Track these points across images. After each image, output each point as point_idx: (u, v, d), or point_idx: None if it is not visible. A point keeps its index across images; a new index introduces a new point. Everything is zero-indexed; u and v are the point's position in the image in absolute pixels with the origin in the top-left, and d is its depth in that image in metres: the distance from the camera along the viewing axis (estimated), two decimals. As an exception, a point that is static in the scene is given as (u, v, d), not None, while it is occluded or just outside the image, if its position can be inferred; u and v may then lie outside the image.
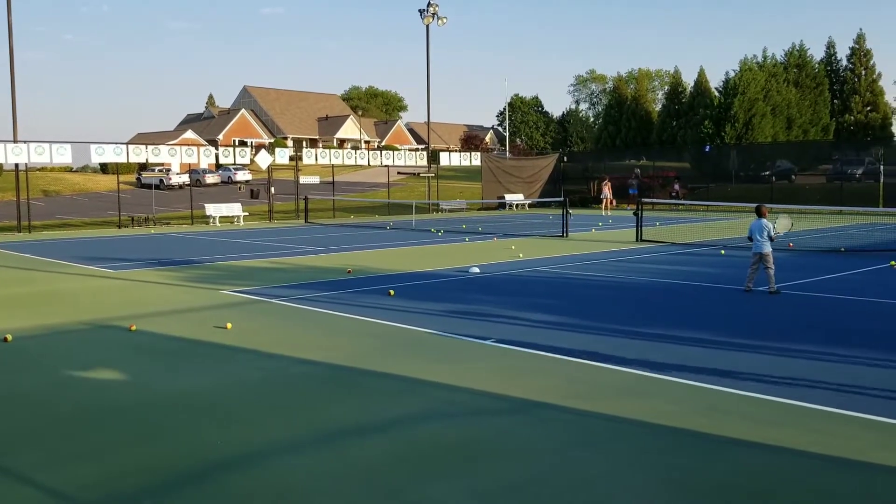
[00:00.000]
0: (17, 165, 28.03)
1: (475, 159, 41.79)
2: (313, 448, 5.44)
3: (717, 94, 49.18)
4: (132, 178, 60.04)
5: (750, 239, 12.16)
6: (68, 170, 66.56)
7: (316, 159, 35.79)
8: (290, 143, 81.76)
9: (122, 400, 6.63)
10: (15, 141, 27.11)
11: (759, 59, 48.22)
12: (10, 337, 9.04)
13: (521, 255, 17.69)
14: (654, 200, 34.55)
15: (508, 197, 40.57)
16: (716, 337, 8.77)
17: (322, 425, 5.91)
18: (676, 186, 39.74)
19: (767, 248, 11.87)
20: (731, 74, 47.47)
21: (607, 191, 37.09)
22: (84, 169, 70.53)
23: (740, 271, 13.42)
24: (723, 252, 18.14)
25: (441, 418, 6.05)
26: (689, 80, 53.44)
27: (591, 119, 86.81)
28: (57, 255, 19.01)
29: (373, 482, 4.77)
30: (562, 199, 26.45)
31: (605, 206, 36.88)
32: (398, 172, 52.12)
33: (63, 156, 28.00)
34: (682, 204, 35.63)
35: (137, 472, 4.98)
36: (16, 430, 5.89)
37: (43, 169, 59.35)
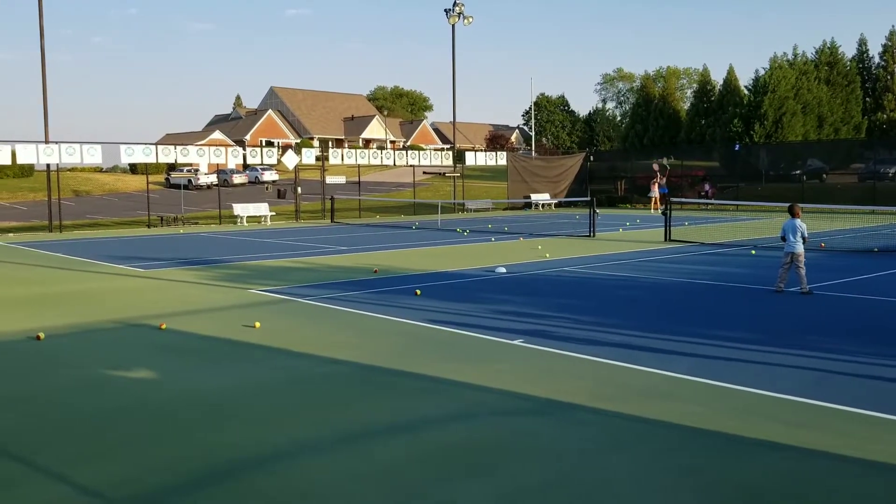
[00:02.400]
0: (48, 166, 28.45)
1: (501, 159, 41.67)
2: (338, 448, 5.43)
3: (746, 92, 48.56)
4: (161, 178, 60.72)
5: (783, 239, 11.99)
6: (98, 170, 67.54)
7: (342, 159, 35.93)
8: (316, 143, 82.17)
9: (151, 398, 6.68)
10: (46, 142, 27.53)
11: (790, 56, 47.54)
12: (42, 335, 9.16)
13: (547, 255, 17.59)
14: (683, 200, 34.18)
15: (534, 197, 40.39)
16: (746, 338, 8.63)
17: (348, 425, 5.90)
18: (707, 186, 39.25)
19: (800, 249, 11.69)
20: (761, 72, 46.91)
21: (655, 189, 36.11)
22: (114, 169, 71.52)
23: (771, 272, 13.23)
24: (753, 252, 17.89)
25: (467, 419, 6.02)
26: (717, 79, 52.95)
27: (619, 118, 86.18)
28: (88, 255, 19.26)
29: (398, 482, 4.75)
30: (588, 198, 26.28)
31: (654, 204, 35.52)
32: (424, 172, 52.15)
33: (93, 156, 28.37)
34: (712, 203, 35.18)
35: (164, 469, 5.01)
36: (46, 426, 5.95)
37: (73, 169, 60.28)
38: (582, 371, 7.34)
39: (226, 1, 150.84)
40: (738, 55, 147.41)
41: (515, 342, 8.54)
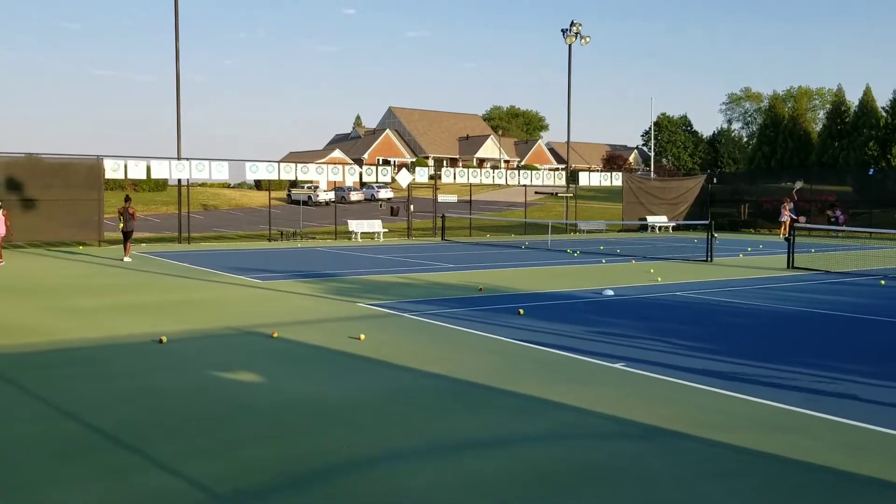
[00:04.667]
0: (179, 181, 30.31)
1: (616, 179, 41.02)
2: (431, 459, 5.51)
3: (883, 113, 45.85)
4: (283, 194, 63.39)
5: None
6: (226, 186, 71.21)
7: (454, 178, 36.39)
8: (430, 161, 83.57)
9: (258, 401, 7.00)
10: (178, 158, 29.37)
11: (933, 75, 44.57)
12: (164, 339, 9.76)
13: (659, 279, 17.16)
14: (811, 226, 32.47)
15: (650, 219, 39.46)
16: (864, 371, 8.13)
17: (442, 438, 5.98)
18: (838, 212, 37.16)
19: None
20: (900, 92, 44.17)
21: (786, 212, 34.55)
22: (240, 185, 75.28)
23: (901, 303, 12.41)
24: (883, 283, 16.81)
25: (562, 439, 5.97)
26: (853, 99, 50.19)
27: (745, 139, 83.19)
28: (212, 265, 20.34)
29: (487, 496, 4.77)
30: (707, 221, 25.45)
31: (784, 229, 33.73)
32: (535, 192, 51.99)
33: (221, 172, 30.03)
34: (842, 230, 33.22)
35: (266, 468, 5.24)
36: (161, 423, 6.34)
37: (203, 184, 63.88)
38: (684, 398, 7.13)
39: (348, 24, 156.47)
40: (875, 75, 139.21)
41: (616, 366, 8.39)
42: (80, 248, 26.50)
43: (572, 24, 39.53)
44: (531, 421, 6.45)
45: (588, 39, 39.97)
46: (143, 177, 29.73)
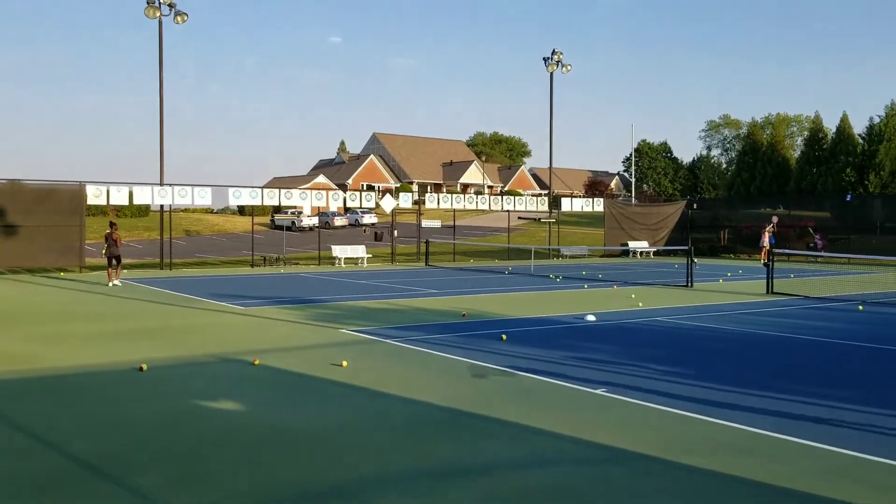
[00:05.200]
0: (161, 206, 30.23)
1: (598, 205, 41.36)
2: (414, 485, 5.52)
3: (860, 140, 46.66)
4: (267, 219, 63.28)
5: None
6: (209, 211, 71.04)
7: (438, 203, 36.54)
8: (415, 187, 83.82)
9: (238, 429, 6.98)
10: (161, 184, 29.32)
11: (907, 103, 45.48)
12: (145, 366, 9.71)
13: (640, 304, 17.29)
14: (790, 252, 32.84)
15: (632, 244, 39.78)
16: (843, 396, 8.24)
17: (425, 464, 5.99)
18: (817, 238, 37.60)
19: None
20: (877, 120, 45.00)
21: (766, 238, 34.69)
22: (223, 210, 75.07)
23: (879, 329, 12.58)
24: (861, 308, 17.02)
25: (544, 465, 6.00)
26: (830, 126, 51.05)
27: (724, 165, 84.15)
28: (193, 292, 20.26)
29: (467, 525, 4.78)
30: (688, 247, 25.69)
31: (763, 254, 34.26)
32: (519, 217, 52.26)
33: (204, 198, 29.98)
34: (821, 256, 33.64)
35: (246, 497, 5.23)
36: (141, 452, 6.31)
37: (186, 210, 63.67)
38: (663, 423, 7.20)
39: (334, 52, 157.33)
40: (852, 102, 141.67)
41: (598, 391, 8.45)
42: (62, 274, 26.31)
43: (553, 52, 40.04)
44: (513, 447, 6.48)
45: (569, 68, 40.49)
46: (126, 203, 29.62)
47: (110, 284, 21.81)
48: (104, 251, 22.54)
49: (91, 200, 28.18)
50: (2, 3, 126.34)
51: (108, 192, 28.20)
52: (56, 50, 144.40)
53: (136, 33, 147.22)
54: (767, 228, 34.75)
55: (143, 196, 29.24)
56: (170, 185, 29.28)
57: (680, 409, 7.66)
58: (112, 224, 23.10)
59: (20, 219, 26.29)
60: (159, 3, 29.16)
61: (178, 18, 29.49)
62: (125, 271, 27.86)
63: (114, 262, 22.27)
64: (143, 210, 57.48)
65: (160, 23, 29.49)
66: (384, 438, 6.73)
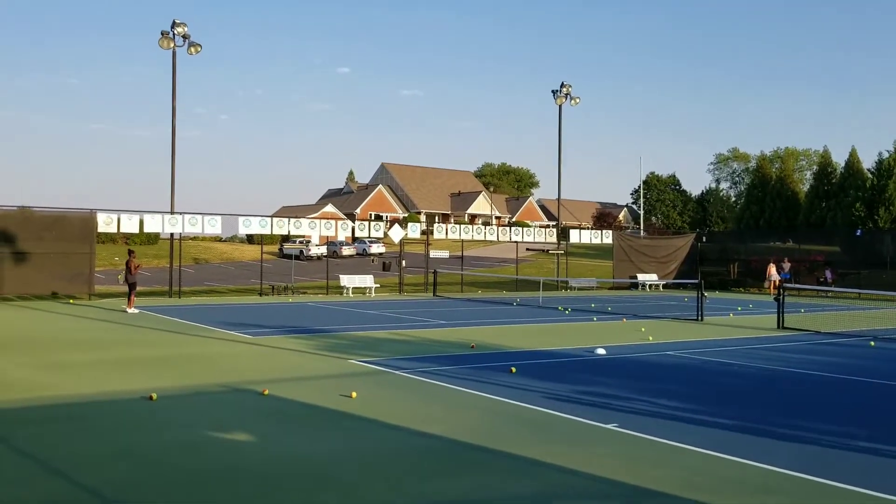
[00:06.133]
0: (171, 235, 30.37)
1: (606, 237, 41.34)
2: (423, 522, 5.45)
3: (870, 175, 46.65)
4: (275, 248, 63.45)
5: None
6: (218, 239, 71.33)
7: (446, 234, 36.60)
8: (423, 217, 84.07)
9: (247, 460, 6.93)
10: (172, 212, 29.48)
11: (916, 138, 45.53)
12: (155, 396, 9.68)
13: (650, 338, 17.19)
14: (801, 286, 32.67)
15: (641, 277, 39.66)
16: (855, 433, 8.13)
17: (434, 499, 5.93)
18: (828, 272, 37.44)
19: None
20: (886, 155, 45.03)
21: (773, 272, 34.79)
22: (232, 239, 75.38)
23: (890, 364, 12.45)
24: (872, 343, 16.88)
25: (551, 500, 5.93)
26: (839, 160, 51.08)
27: (733, 199, 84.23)
28: (202, 320, 20.26)
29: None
30: (697, 280, 25.58)
31: (772, 288, 33.80)
32: (527, 249, 52.28)
33: (213, 227, 30.14)
34: (831, 291, 33.46)
35: (255, 532, 5.17)
36: (148, 482, 6.26)
37: (195, 238, 63.94)
38: (674, 459, 7.11)
39: (343, 83, 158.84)
40: (861, 137, 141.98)
41: (609, 426, 8.37)
42: (71, 301, 26.38)
43: (562, 85, 40.35)
44: (521, 481, 6.41)
45: (578, 100, 40.75)
46: (136, 230, 29.79)
47: (128, 311, 22.16)
48: (119, 277, 23.23)
49: (102, 228, 28.37)
50: (17, 30, 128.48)
51: (118, 219, 28.39)
52: (69, 77, 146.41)
53: (148, 65, 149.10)
54: (773, 262, 34.67)
55: (153, 224, 29.38)
56: (180, 213, 29.44)
57: (689, 444, 7.57)
58: (130, 252, 23.68)
59: (31, 245, 26.43)
60: (173, 35, 29.58)
61: (192, 49, 29.89)
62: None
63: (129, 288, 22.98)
64: (153, 238, 57.70)
65: (174, 53, 29.88)
66: (393, 471, 6.67)
